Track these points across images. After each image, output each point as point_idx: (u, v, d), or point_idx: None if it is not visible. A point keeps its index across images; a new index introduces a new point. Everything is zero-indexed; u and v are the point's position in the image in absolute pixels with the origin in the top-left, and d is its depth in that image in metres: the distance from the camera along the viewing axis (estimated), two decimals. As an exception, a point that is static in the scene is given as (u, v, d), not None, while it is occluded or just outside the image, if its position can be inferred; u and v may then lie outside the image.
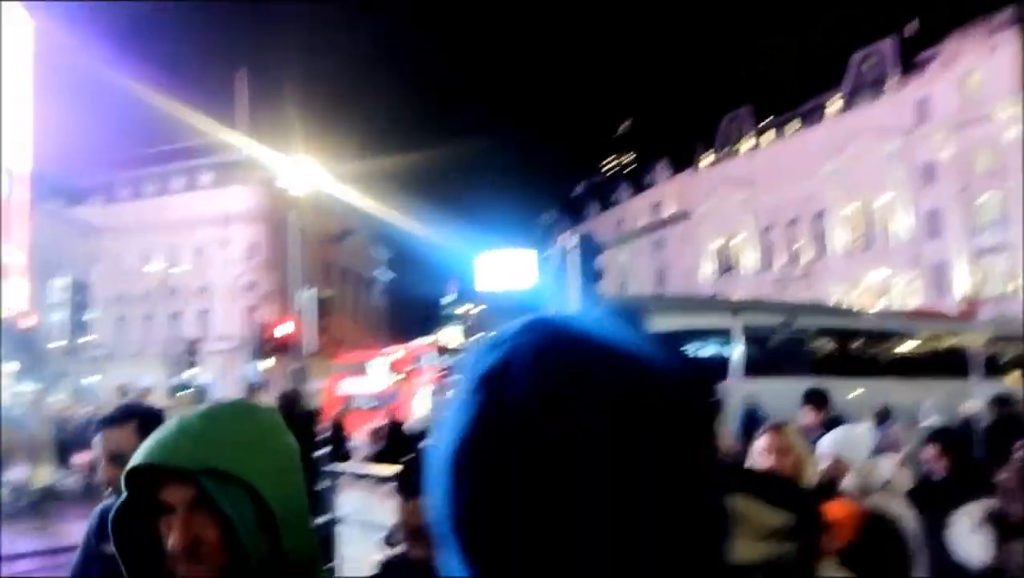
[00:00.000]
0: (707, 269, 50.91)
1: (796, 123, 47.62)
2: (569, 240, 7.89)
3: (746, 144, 50.68)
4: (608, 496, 0.55)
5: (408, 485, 2.26)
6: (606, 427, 0.56)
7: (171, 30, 49.64)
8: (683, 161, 53.93)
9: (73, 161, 50.47)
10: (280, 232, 32.67)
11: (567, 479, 0.55)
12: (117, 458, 2.40)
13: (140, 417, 2.54)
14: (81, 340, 18.93)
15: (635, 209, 56.89)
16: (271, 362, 22.44)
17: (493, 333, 0.63)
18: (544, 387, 0.57)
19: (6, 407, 21.97)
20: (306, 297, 19.78)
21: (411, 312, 56.86)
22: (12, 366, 24.01)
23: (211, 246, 49.62)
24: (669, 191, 54.35)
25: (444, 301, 59.98)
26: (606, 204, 60.49)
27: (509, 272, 28.06)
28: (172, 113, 41.43)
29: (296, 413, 8.94)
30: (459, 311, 54.79)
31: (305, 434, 9.98)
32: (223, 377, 36.53)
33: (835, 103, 45.78)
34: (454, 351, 17.56)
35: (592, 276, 7.82)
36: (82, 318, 18.22)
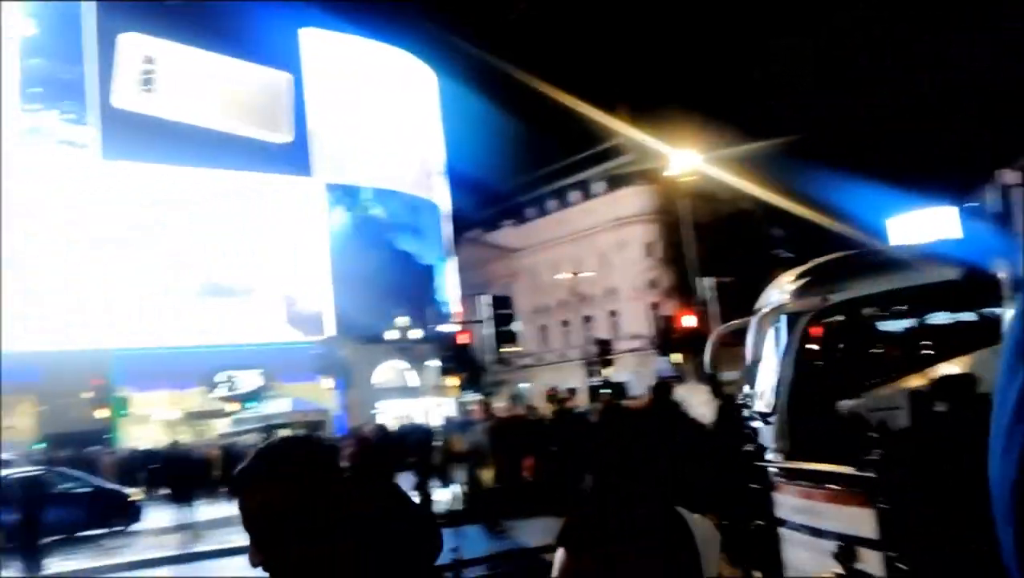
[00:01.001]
0: None
1: None
2: (1010, 176, 6.55)
3: None
4: None
5: (571, 538, 1.50)
6: None
7: (554, 52, 52.80)
8: None
9: (484, 192, 56.23)
10: (672, 226, 32.87)
11: None
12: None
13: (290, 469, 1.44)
14: (510, 350, 20.64)
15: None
16: (680, 355, 22.56)
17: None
18: None
19: (452, 416, 24.76)
20: (706, 286, 19.58)
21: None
22: (455, 379, 27.17)
23: (611, 249, 51.71)
24: None
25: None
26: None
27: (925, 230, 25.07)
28: (561, 130, 44.01)
29: (669, 405, 8.60)
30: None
31: (724, 425, 9.60)
32: (637, 374, 37.72)
33: None
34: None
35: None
36: (508, 330, 19.86)
